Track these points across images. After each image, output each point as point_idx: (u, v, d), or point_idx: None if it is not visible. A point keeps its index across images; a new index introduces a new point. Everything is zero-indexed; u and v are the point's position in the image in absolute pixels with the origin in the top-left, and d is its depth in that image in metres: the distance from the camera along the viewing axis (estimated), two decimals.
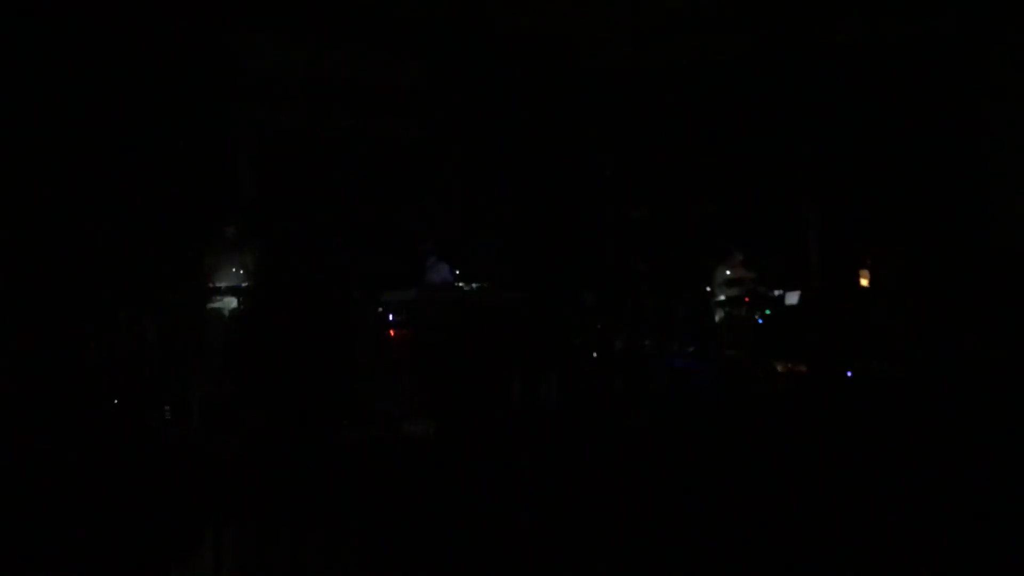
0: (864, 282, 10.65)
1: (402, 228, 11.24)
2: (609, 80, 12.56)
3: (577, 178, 12.52)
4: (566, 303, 10.34)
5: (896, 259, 10.71)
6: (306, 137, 11.06)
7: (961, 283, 10.00)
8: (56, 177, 9.16)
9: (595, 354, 10.20)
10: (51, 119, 9.24)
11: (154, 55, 9.93)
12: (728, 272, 11.01)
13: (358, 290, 9.20)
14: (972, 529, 4.97)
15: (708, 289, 11.14)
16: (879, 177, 11.51)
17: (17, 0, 9.24)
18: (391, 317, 9.04)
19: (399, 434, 7.49)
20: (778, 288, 10.85)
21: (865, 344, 9.74)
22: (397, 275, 9.91)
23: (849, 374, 9.28)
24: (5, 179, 8.93)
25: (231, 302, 8.67)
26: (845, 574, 4.70)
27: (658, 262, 11.61)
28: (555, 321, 9.95)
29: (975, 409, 7.36)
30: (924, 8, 10.92)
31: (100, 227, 9.11)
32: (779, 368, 9.77)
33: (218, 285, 8.77)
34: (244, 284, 8.77)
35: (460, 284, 10.08)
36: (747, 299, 10.81)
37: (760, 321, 10.75)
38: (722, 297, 11.00)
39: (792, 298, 10.77)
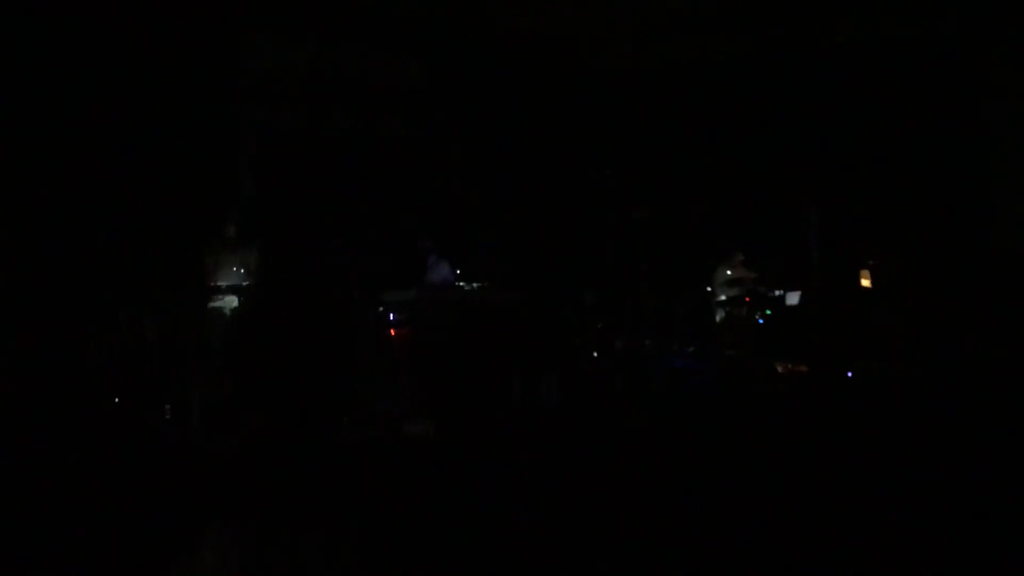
0: (865, 282, 10.65)
1: (402, 228, 11.24)
2: (609, 80, 12.56)
3: (577, 178, 12.52)
4: (566, 303, 10.34)
5: (896, 259, 10.71)
6: (306, 137, 11.06)
7: (961, 283, 10.00)
8: (56, 177, 9.16)
9: (595, 354, 10.20)
10: (51, 119, 9.25)
11: (155, 55, 9.93)
12: (729, 272, 11.01)
13: (358, 290, 9.20)
14: (972, 529, 4.96)
15: (709, 289, 11.14)
16: (879, 177, 11.51)
17: (17, 0, 9.25)
18: (391, 317, 9.04)
19: (399, 434, 7.49)
20: (779, 288, 10.85)
21: (865, 344, 9.74)
22: (397, 275, 9.92)
23: (849, 374, 9.28)
24: (5, 179, 8.93)
25: (232, 301, 8.68)
26: (845, 574, 4.70)
27: (658, 262, 11.61)
28: (555, 321, 9.95)
29: (975, 409, 7.36)
30: (924, 8, 10.92)
31: (100, 227, 9.11)
32: (779, 368, 9.77)
33: (219, 284, 8.77)
34: (245, 283, 8.77)
35: (460, 284, 10.08)
36: (748, 299, 10.81)
37: (760, 321, 10.75)
38: (723, 297, 11.00)
39: (793, 298, 10.77)
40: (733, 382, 9.60)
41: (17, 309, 8.00)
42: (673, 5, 10.99)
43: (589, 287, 10.74)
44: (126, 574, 4.60)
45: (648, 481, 6.08)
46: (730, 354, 10.48)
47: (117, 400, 7.65)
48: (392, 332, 8.99)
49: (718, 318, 11.04)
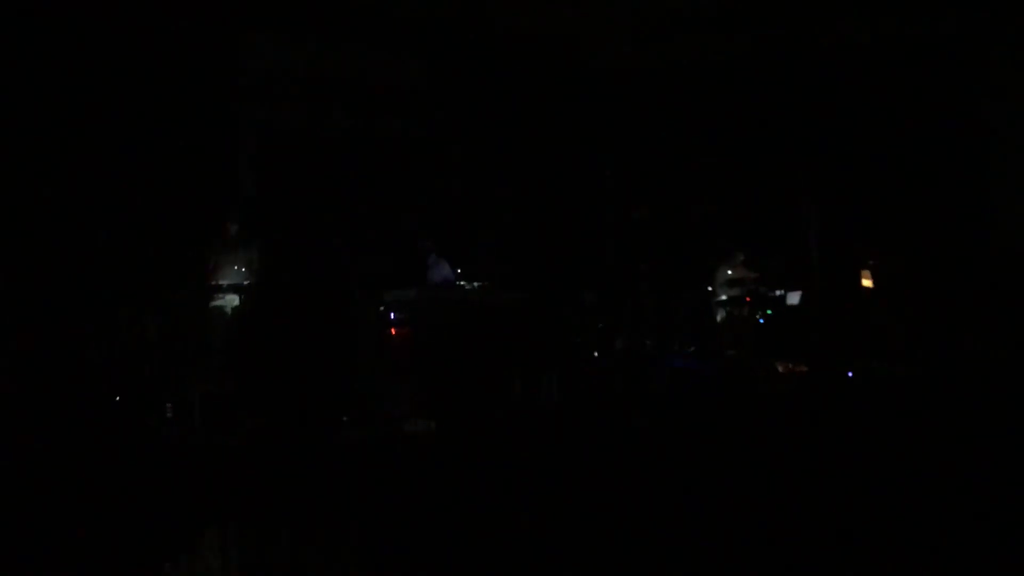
0: (865, 282, 10.65)
1: (403, 227, 11.24)
2: (610, 80, 12.56)
3: (578, 178, 12.53)
4: (567, 302, 10.34)
5: (897, 259, 10.71)
6: (306, 137, 11.06)
7: (961, 283, 10.00)
8: (57, 177, 9.16)
9: (596, 354, 10.20)
10: (52, 119, 9.25)
11: (156, 55, 9.93)
12: (729, 272, 11.01)
13: (359, 289, 9.19)
14: (972, 529, 4.96)
15: (710, 289, 11.14)
16: (880, 177, 11.51)
17: (18, 0, 9.25)
18: (392, 316, 9.04)
19: (399, 433, 7.49)
20: (779, 288, 10.86)
21: (866, 344, 9.74)
22: (398, 274, 9.92)
23: (850, 374, 9.28)
24: (5, 179, 8.93)
25: (233, 300, 8.68)
26: (845, 574, 4.70)
27: (658, 262, 11.61)
28: (556, 320, 9.95)
29: (975, 409, 7.36)
30: (924, 8, 10.92)
31: (101, 226, 9.11)
32: (780, 368, 9.77)
33: (220, 283, 8.77)
34: (246, 282, 8.77)
35: (461, 283, 10.08)
36: (748, 299, 10.81)
37: (761, 321, 10.75)
38: (723, 297, 11.00)
39: (793, 298, 10.77)
40: (733, 382, 9.59)
41: (17, 309, 8.00)
42: (673, 5, 10.98)
43: (590, 287, 10.74)
44: (126, 574, 4.60)
45: (648, 481, 6.08)
46: (730, 354, 10.48)
47: (118, 399, 7.65)
48: (393, 331, 8.99)
49: (719, 318, 11.04)
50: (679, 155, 12.65)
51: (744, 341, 10.61)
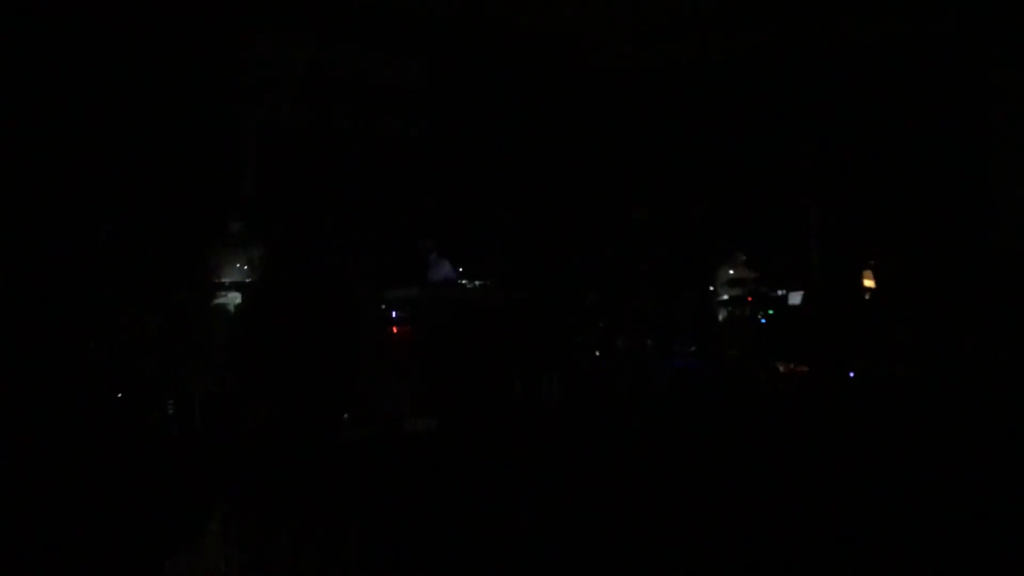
0: (867, 282, 10.65)
1: (403, 226, 11.24)
2: (610, 80, 12.56)
3: (578, 178, 12.52)
4: (568, 302, 10.34)
5: (898, 259, 10.71)
6: (308, 135, 11.06)
7: (962, 284, 10.00)
8: (58, 176, 9.16)
9: (596, 353, 10.20)
10: (53, 118, 9.24)
11: (156, 54, 9.92)
12: (731, 272, 11.00)
13: (360, 288, 9.19)
14: (973, 529, 4.96)
15: (711, 289, 11.13)
16: (880, 177, 11.51)
17: (18, 0, 9.25)
18: (393, 314, 9.04)
19: (400, 432, 7.49)
20: (781, 288, 10.85)
21: (867, 344, 9.74)
22: (399, 273, 9.92)
23: (851, 374, 9.28)
24: (5, 179, 8.92)
25: (235, 298, 8.68)
26: (845, 574, 4.69)
27: (658, 262, 11.60)
28: (556, 320, 9.94)
29: (976, 409, 7.36)
30: (924, 8, 10.92)
31: (102, 225, 9.11)
32: (781, 368, 9.77)
33: (221, 281, 8.77)
34: (247, 280, 8.77)
35: (462, 283, 10.08)
36: (750, 299, 10.81)
37: (763, 321, 10.75)
38: (725, 297, 11.00)
39: (795, 298, 10.76)
40: (734, 382, 9.59)
41: (17, 308, 8.00)
42: (673, 5, 10.99)
43: (590, 286, 10.73)
44: (127, 573, 4.60)
45: (648, 481, 6.08)
46: (731, 354, 10.48)
47: (119, 398, 7.64)
48: (394, 330, 8.99)
49: (720, 318, 11.03)
50: (679, 155, 12.65)
51: (745, 341, 10.60)
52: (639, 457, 6.71)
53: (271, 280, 8.83)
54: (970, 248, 10.87)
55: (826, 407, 8.56)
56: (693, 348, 10.68)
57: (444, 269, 10.18)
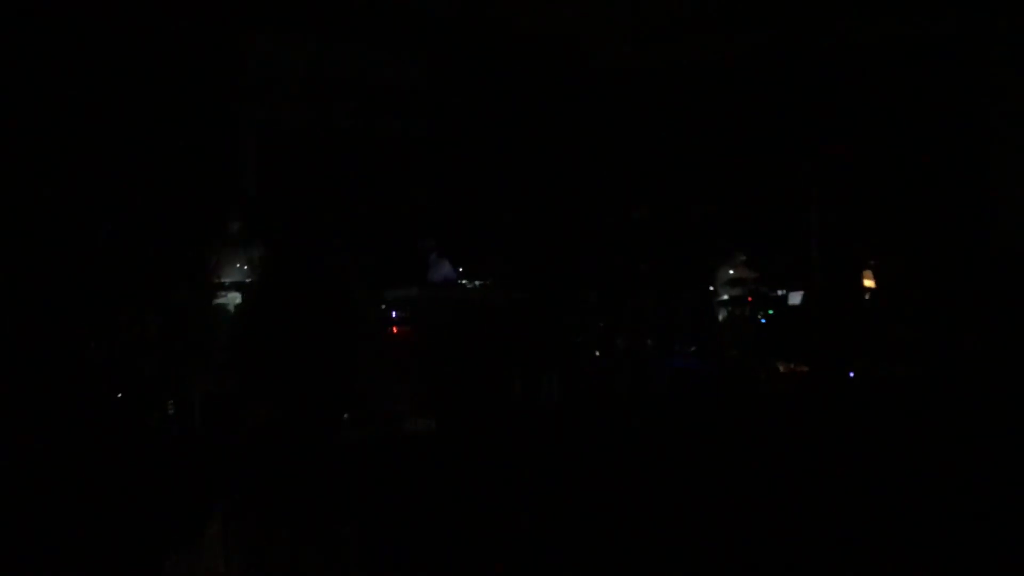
0: (867, 282, 10.65)
1: (404, 226, 11.24)
2: (610, 80, 12.56)
3: (578, 178, 12.52)
4: (568, 302, 10.33)
5: (898, 259, 10.71)
6: (308, 135, 11.06)
7: (962, 284, 10.00)
8: (58, 176, 9.15)
9: (596, 353, 10.19)
10: (53, 118, 9.24)
11: (157, 54, 9.92)
12: (731, 272, 11.00)
13: (360, 288, 9.17)
14: (973, 529, 4.96)
15: (711, 289, 11.13)
16: (880, 177, 11.51)
17: (19, 0, 9.24)
18: (393, 314, 9.03)
19: (400, 432, 7.48)
20: (781, 288, 10.85)
21: (867, 344, 9.73)
22: (399, 273, 9.92)
23: (851, 374, 9.28)
24: (5, 179, 8.92)
25: (235, 298, 8.67)
26: (845, 574, 4.69)
27: (658, 262, 11.60)
28: (556, 320, 9.94)
29: (976, 409, 7.36)
30: (924, 8, 10.91)
31: (102, 225, 9.10)
32: (781, 368, 9.77)
33: (221, 281, 8.77)
34: (248, 280, 8.76)
35: (463, 282, 10.08)
36: (750, 299, 10.80)
37: (763, 321, 10.74)
38: (725, 297, 10.99)
39: (795, 298, 10.76)
40: (734, 382, 9.59)
41: (17, 308, 7.99)
42: (673, 5, 10.98)
43: (590, 286, 10.73)
44: (128, 573, 4.60)
45: (648, 481, 6.08)
46: (732, 354, 10.47)
47: (119, 398, 7.64)
48: (394, 330, 8.99)
49: (720, 318, 11.03)
50: (679, 155, 12.65)
51: (745, 341, 10.60)
52: (639, 457, 6.71)
53: (271, 280, 8.81)
54: (970, 248, 10.86)
55: (826, 407, 8.56)
56: (693, 348, 10.67)
57: (444, 269, 10.18)
